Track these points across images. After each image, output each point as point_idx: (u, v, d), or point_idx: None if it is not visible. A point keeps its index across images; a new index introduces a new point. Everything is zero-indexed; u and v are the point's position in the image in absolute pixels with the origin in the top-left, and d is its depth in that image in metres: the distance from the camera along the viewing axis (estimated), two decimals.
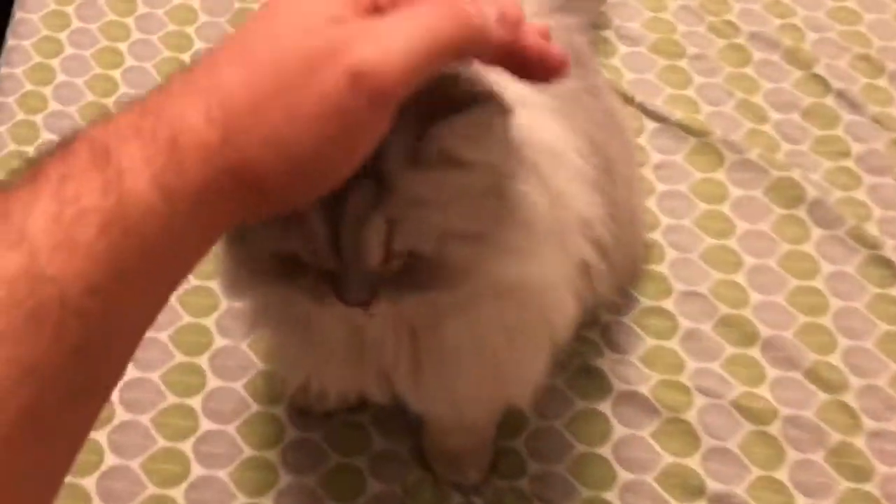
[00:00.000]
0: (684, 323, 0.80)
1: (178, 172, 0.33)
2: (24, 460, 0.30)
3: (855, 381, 0.77)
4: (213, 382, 0.76)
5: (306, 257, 0.47)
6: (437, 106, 0.42)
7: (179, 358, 0.78)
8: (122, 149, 0.33)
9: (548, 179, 0.51)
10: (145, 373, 0.77)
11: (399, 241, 0.45)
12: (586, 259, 0.59)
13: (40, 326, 0.30)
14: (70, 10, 0.98)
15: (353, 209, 0.44)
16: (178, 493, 0.71)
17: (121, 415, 0.75)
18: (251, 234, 0.47)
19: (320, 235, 0.44)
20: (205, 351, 0.78)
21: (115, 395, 0.75)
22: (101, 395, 0.34)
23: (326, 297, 0.48)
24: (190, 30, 0.97)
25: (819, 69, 0.93)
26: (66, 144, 0.33)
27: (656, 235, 0.84)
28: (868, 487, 0.72)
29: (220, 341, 0.78)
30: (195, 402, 0.75)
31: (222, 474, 0.72)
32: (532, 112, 0.52)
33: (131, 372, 0.76)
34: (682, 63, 0.95)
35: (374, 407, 0.75)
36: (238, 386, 0.76)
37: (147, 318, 0.35)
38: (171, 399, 0.75)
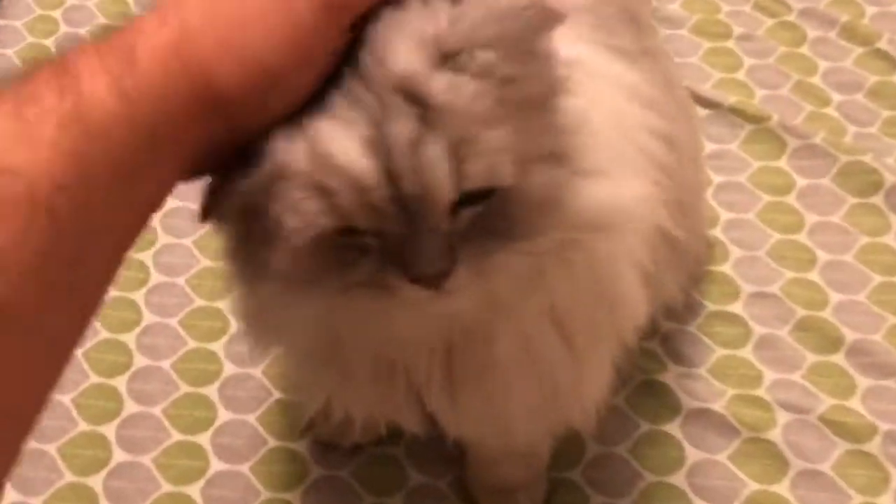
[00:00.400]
0: (757, 328, 0.70)
1: (134, 75, 0.33)
2: None
3: None
4: (223, 415, 0.67)
5: (361, 221, 0.37)
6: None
7: (185, 389, 0.68)
8: (81, 60, 0.34)
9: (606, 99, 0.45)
10: (147, 407, 0.67)
11: (472, 167, 0.36)
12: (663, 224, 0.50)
13: (8, 220, 0.31)
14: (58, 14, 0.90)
15: (398, 138, 0.35)
16: None
17: (119, 455, 0.65)
18: (291, 215, 0.37)
19: (370, 177, 0.36)
20: (214, 380, 0.68)
21: (111, 434, 0.66)
22: (79, 314, 0.34)
23: (394, 284, 0.38)
24: None
25: (882, 44, 0.85)
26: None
27: (716, 232, 0.75)
28: None
29: (230, 369, 0.69)
30: (203, 438, 0.66)
31: None
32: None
33: (130, 407, 0.67)
34: (730, 44, 0.86)
35: (408, 437, 0.65)
36: (251, 419, 0.67)
37: (121, 236, 0.35)
38: (176, 436, 0.66)
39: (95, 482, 0.64)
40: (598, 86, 0.46)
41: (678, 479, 0.64)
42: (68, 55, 0.34)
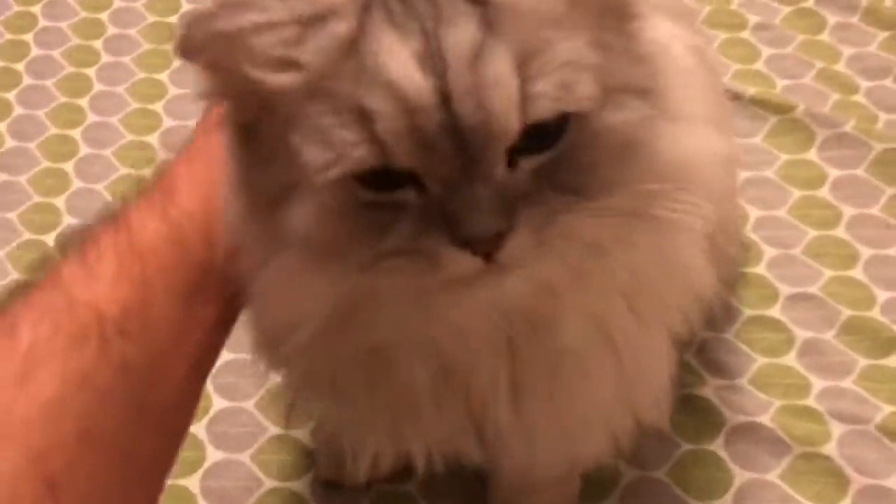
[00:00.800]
0: (800, 333, 0.64)
1: (176, 204, 0.40)
2: (80, 472, 0.35)
3: None
4: (213, 455, 0.60)
5: (403, 158, 0.30)
6: None
7: None
8: (126, 206, 0.41)
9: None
10: None
11: (544, 85, 0.30)
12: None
13: (84, 344, 0.36)
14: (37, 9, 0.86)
15: (459, 43, 0.29)
16: None
17: None
18: (313, 153, 0.31)
19: (426, 101, 0.29)
20: (202, 417, 0.62)
21: None
22: (156, 424, 0.38)
23: (437, 248, 0.31)
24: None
25: None
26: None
27: (747, 231, 0.69)
28: None
29: (219, 403, 0.62)
30: (192, 481, 0.59)
31: None
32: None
33: None
34: (745, 35, 0.81)
35: (422, 473, 0.58)
36: (244, 457, 0.60)
37: (191, 355, 0.39)
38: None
39: None
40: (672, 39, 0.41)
41: (725, 503, 0.57)
42: (114, 209, 0.40)
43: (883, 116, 0.75)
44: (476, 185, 0.30)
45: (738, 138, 0.74)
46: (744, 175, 0.72)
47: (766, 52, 0.80)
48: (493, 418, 0.42)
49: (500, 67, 0.29)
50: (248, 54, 0.31)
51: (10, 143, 0.77)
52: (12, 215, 0.72)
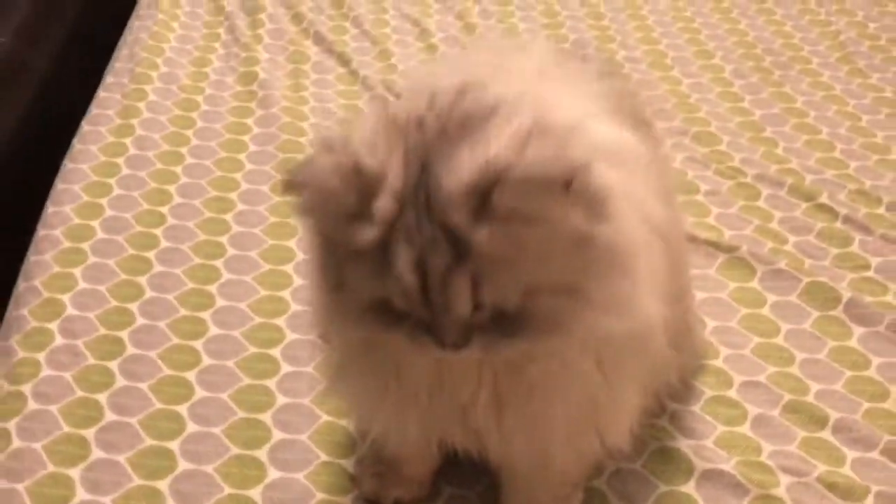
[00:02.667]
0: (752, 409, 0.79)
1: None
2: None
3: None
4: (273, 473, 0.71)
5: (401, 305, 0.49)
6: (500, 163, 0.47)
7: (235, 450, 0.72)
8: None
9: (626, 194, 0.53)
10: (200, 465, 0.71)
11: (486, 294, 0.48)
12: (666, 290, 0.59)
13: None
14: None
15: (435, 268, 0.47)
16: None
17: None
18: (352, 282, 0.50)
19: (413, 290, 0.48)
20: (263, 444, 0.73)
21: (165, 487, 0.69)
22: None
23: (424, 343, 0.50)
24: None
25: (823, 199, 1.02)
26: None
27: (706, 334, 0.86)
28: None
29: (278, 434, 0.74)
30: (255, 492, 0.69)
31: None
32: (590, 112, 0.57)
33: (183, 464, 0.71)
34: (699, 197, 1.03)
35: (446, 492, 0.70)
36: (300, 476, 0.71)
37: None
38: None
39: None
40: (624, 208, 0.53)
41: None
42: None
43: (808, 260, 0.95)
44: (445, 321, 0.50)
45: (697, 269, 0.93)
46: (702, 295, 0.90)
47: (716, 211, 1.01)
48: (474, 419, 0.57)
49: (458, 285, 0.48)
50: (322, 209, 0.51)
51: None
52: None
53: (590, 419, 0.59)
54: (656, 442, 0.75)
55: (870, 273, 0.94)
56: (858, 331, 0.87)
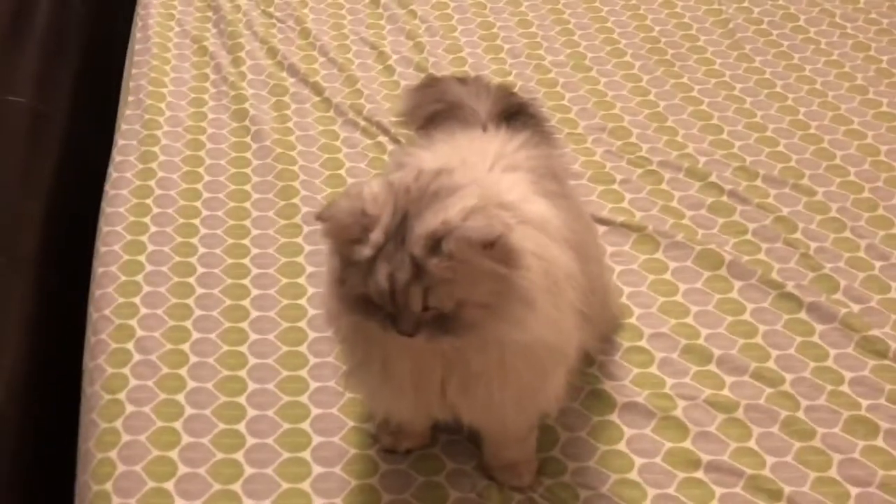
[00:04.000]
0: (658, 354, 1.07)
1: None
2: None
3: (788, 376, 1.04)
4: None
5: (375, 300, 0.77)
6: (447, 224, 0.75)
7: (286, 426, 1.00)
8: None
9: (541, 250, 0.81)
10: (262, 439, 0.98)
11: (430, 301, 0.76)
12: (577, 306, 0.86)
13: None
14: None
15: (400, 280, 0.75)
16: None
17: None
18: (349, 281, 0.78)
19: (384, 292, 0.76)
20: (304, 420, 1.00)
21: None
22: None
23: (388, 327, 0.78)
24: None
25: (713, 178, 1.29)
26: None
27: (623, 299, 1.13)
28: None
29: (315, 411, 1.01)
30: (305, 454, 0.96)
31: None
32: (525, 195, 0.84)
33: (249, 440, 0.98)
34: (615, 187, 1.29)
35: (443, 438, 0.98)
36: (336, 439, 0.98)
37: None
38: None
39: None
40: (538, 238, 0.81)
41: (621, 446, 0.98)
42: None
43: (701, 231, 1.23)
44: (402, 316, 0.77)
45: (614, 247, 1.20)
46: (619, 268, 1.18)
47: (628, 196, 1.28)
48: (447, 401, 0.85)
49: (413, 292, 0.75)
50: (339, 233, 0.78)
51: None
52: None
53: (526, 397, 0.87)
54: (588, 385, 1.03)
55: (748, 237, 1.22)
56: (737, 284, 1.15)
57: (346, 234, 0.77)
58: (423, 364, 0.83)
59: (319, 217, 0.79)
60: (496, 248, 0.75)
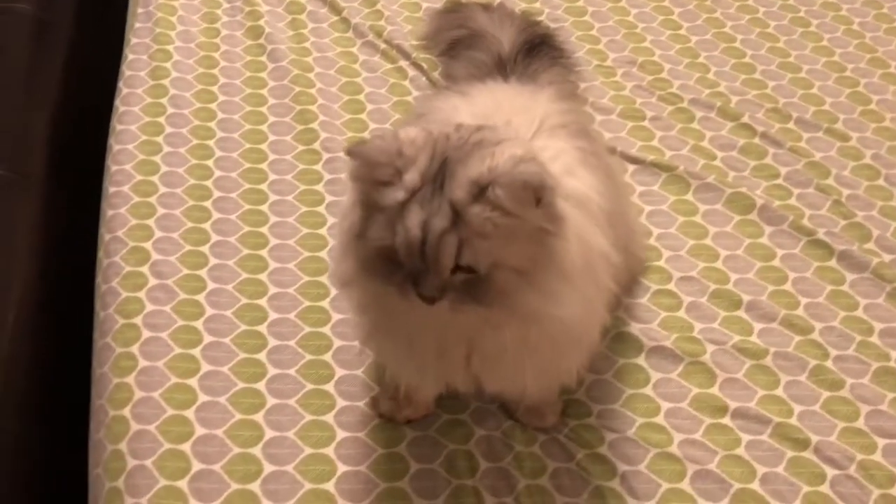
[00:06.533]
0: (686, 298, 1.05)
1: None
2: None
3: (817, 325, 1.03)
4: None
5: (401, 254, 0.71)
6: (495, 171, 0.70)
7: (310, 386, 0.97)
8: None
9: (580, 230, 0.76)
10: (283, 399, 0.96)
11: (464, 257, 0.70)
12: (610, 285, 0.82)
13: None
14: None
15: (435, 228, 0.70)
16: None
17: None
18: (371, 232, 0.71)
19: (415, 241, 0.70)
20: (328, 380, 0.98)
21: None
22: None
23: (409, 291, 0.72)
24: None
25: (745, 119, 1.25)
26: None
27: (652, 241, 1.11)
28: None
29: (340, 372, 0.99)
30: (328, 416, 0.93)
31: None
32: (568, 167, 0.79)
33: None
34: (645, 123, 1.25)
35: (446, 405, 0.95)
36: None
37: None
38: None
39: None
40: (578, 217, 0.76)
41: (647, 390, 0.97)
42: None
43: (732, 173, 1.19)
44: (429, 275, 0.71)
45: (644, 186, 1.17)
46: (648, 208, 1.15)
47: (659, 134, 1.24)
48: (474, 368, 0.81)
49: (448, 243, 0.69)
50: (369, 173, 0.72)
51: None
52: None
53: (547, 373, 0.84)
54: (615, 328, 1.01)
55: (779, 181, 1.19)
56: (768, 230, 1.13)
57: (376, 174, 0.71)
58: (446, 337, 0.79)
59: (350, 153, 0.73)
60: (543, 203, 0.70)
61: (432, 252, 0.69)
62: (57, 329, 1.11)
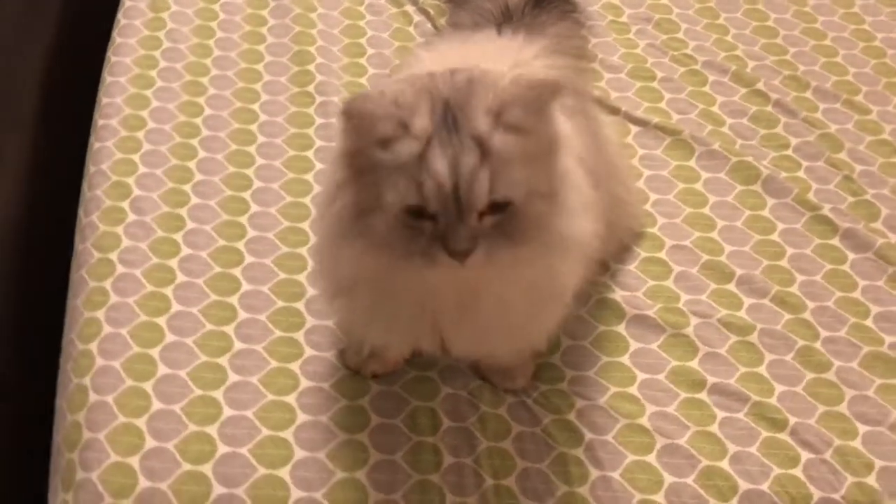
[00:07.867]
0: (675, 268, 1.01)
1: None
2: None
3: (810, 304, 0.98)
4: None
5: (432, 205, 0.68)
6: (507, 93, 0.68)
7: (278, 333, 0.96)
8: None
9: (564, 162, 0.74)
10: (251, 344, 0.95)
11: (500, 190, 0.67)
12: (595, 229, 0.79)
13: None
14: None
15: (465, 166, 0.67)
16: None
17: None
18: (389, 197, 0.68)
19: (446, 186, 0.67)
20: (300, 328, 0.96)
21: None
22: None
23: (436, 254, 0.69)
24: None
25: (760, 86, 1.19)
26: None
27: (647, 207, 1.07)
28: None
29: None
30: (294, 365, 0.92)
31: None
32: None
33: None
34: (654, 84, 1.20)
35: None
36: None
37: None
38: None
39: None
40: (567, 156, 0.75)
41: (625, 359, 0.94)
42: None
43: (739, 141, 1.14)
44: (461, 226, 0.68)
45: (646, 150, 1.13)
46: (648, 173, 1.10)
47: (668, 96, 1.19)
48: (445, 331, 0.79)
49: (482, 178, 0.67)
50: (369, 132, 0.68)
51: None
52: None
53: (518, 333, 0.82)
54: (598, 294, 0.98)
55: (788, 152, 1.13)
56: (770, 202, 1.08)
57: (378, 130, 0.68)
58: (446, 299, 0.76)
59: (347, 112, 0.69)
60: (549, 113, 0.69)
61: (466, 193, 0.67)
62: (35, 263, 1.11)
